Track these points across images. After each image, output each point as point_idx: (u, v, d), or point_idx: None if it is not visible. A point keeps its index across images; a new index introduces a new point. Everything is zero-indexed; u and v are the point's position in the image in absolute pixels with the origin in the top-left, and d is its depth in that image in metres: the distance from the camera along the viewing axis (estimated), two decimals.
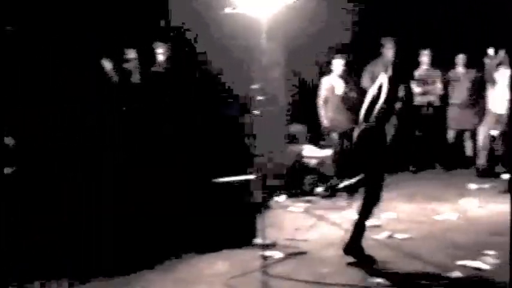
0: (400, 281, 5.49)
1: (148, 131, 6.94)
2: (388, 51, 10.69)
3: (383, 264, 5.99)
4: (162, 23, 8.65)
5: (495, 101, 9.90)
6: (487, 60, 9.89)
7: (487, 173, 9.91)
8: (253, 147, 7.49)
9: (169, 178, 6.76)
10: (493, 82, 9.87)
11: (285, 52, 9.20)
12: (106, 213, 6.42)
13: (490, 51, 9.80)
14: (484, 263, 5.87)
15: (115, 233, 6.32)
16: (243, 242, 6.60)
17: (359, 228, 6.14)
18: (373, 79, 10.52)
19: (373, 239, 6.87)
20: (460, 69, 10.77)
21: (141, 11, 8.28)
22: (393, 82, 6.40)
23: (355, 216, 6.22)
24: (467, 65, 10.56)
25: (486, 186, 9.23)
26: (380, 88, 6.30)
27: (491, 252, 6.13)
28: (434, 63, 11.03)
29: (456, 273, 5.62)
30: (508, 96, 9.36)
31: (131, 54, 8.44)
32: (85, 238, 6.23)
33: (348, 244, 6.11)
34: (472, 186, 9.30)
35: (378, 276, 5.60)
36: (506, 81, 9.47)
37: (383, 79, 6.42)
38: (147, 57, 8.39)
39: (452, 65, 10.95)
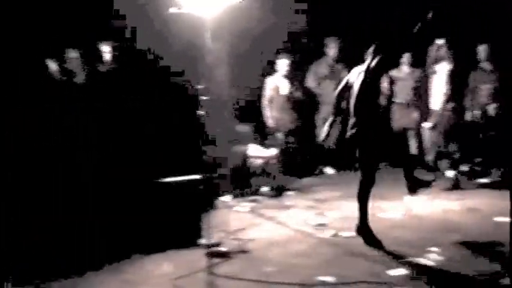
0: (345, 279, 5.51)
1: (94, 131, 6.85)
2: (331, 51, 10.81)
3: (328, 263, 6.02)
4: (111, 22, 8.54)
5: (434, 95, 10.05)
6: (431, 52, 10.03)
7: (435, 170, 10.04)
8: (201, 147, 7.48)
9: (115, 178, 6.69)
10: (433, 74, 10.02)
11: (230, 52, 9.19)
12: (52, 215, 6.34)
13: (439, 41, 9.89)
14: (429, 260, 5.95)
15: (61, 234, 6.24)
16: (189, 242, 6.57)
17: (361, 210, 6.55)
18: (317, 79, 10.69)
19: (319, 238, 6.93)
20: (405, 68, 10.83)
21: (86, 11, 8.17)
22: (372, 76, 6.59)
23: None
24: (413, 64, 10.60)
25: (432, 183, 9.35)
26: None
27: (436, 249, 6.23)
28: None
29: (401, 270, 5.68)
30: (444, 90, 9.50)
31: (72, 54, 8.33)
32: (31, 240, 6.14)
33: (358, 226, 6.60)
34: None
35: (323, 274, 5.63)
36: (444, 76, 9.61)
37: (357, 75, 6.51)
38: (92, 56, 8.28)
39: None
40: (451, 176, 8.99)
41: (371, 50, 7.05)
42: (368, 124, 6.55)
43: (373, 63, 6.63)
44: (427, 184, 8.55)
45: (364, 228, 6.56)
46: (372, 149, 6.56)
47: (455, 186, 8.96)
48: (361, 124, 6.58)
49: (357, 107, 6.64)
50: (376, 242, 6.44)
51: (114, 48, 8.62)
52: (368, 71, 6.63)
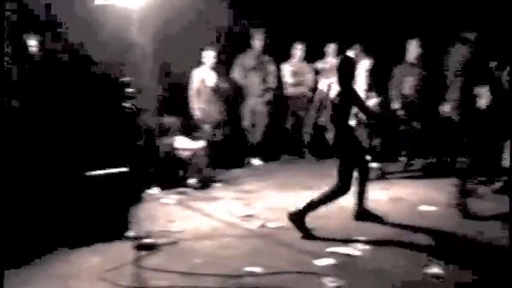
0: (272, 269, 5.56)
1: (16, 125, 6.72)
2: (258, 43, 10.87)
3: (256, 254, 6.07)
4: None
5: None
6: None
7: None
8: (128, 140, 7.43)
9: (42, 173, 6.59)
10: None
11: (156, 43, 9.14)
12: None
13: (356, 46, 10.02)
14: (355, 249, 6.07)
15: None
16: (116, 235, 6.53)
17: (314, 206, 6.72)
18: (243, 71, 10.74)
19: (246, 229, 6.98)
20: (329, 59, 10.93)
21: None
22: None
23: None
24: (338, 55, 10.57)
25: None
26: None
27: (362, 238, 6.36)
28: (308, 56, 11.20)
29: (327, 260, 5.77)
30: (364, 87, 9.65)
31: None
32: None
33: (293, 213, 6.72)
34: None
35: (250, 265, 5.68)
36: (364, 72, 9.75)
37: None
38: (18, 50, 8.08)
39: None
40: (375, 167, 9.13)
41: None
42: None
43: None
44: None
45: (299, 218, 6.63)
46: (350, 157, 6.79)
47: (379, 177, 9.11)
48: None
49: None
50: (305, 232, 6.52)
51: (39, 41, 8.42)
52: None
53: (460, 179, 7.18)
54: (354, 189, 6.92)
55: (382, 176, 9.23)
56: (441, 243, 6.23)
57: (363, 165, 7.05)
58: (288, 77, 11.08)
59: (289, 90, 11.15)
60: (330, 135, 8.65)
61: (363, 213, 7.10)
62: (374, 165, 9.25)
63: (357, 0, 10.78)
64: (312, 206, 6.68)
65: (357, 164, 6.86)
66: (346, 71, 6.75)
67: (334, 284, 5.17)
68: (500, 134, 8.37)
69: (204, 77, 10.22)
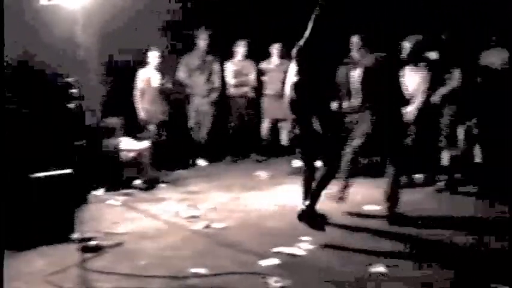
0: (217, 270, 5.60)
1: None
2: (202, 43, 10.89)
3: (201, 254, 6.10)
4: None
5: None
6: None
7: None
8: (72, 141, 7.39)
9: None
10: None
11: (100, 42, 9.09)
12: None
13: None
14: (300, 249, 6.15)
15: None
16: (60, 237, 6.47)
17: (315, 196, 6.59)
18: (188, 70, 10.75)
19: (191, 230, 7.00)
20: (274, 59, 11.00)
21: None
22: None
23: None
24: (283, 56, 10.65)
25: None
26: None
27: (307, 238, 6.43)
28: (251, 55, 11.25)
29: (272, 260, 5.83)
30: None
31: None
32: None
33: (304, 211, 6.58)
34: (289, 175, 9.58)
35: (195, 266, 5.71)
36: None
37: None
38: None
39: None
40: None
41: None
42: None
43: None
44: None
45: (311, 212, 6.61)
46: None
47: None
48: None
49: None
50: (319, 225, 6.61)
51: None
52: None
53: (394, 176, 7.26)
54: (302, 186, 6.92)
55: None
56: (386, 242, 6.35)
57: (333, 160, 6.74)
58: (230, 77, 11.10)
59: (232, 90, 11.17)
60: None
61: (308, 213, 6.75)
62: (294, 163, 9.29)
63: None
64: (315, 196, 6.62)
65: (327, 155, 6.66)
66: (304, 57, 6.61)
67: (279, 284, 5.23)
68: (438, 133, 8.61)
69: (148, 77, 10.21)
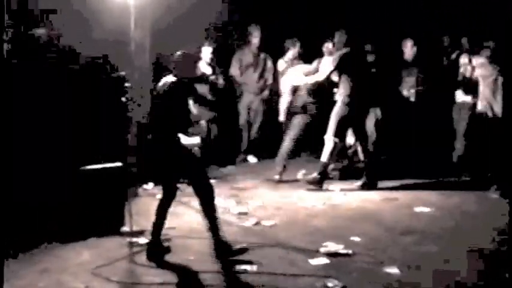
0: (267, 268, 5.56)
1: (13, 118, 6.65)
2: (255, 39, 10.83)
3: (250, 251, 6.04)
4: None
5: None
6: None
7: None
8: (123, 134, 7.39)
9: (34, 165, 6.54)
10: None
11: (152, 37, 9.10)
12: None
13: None
14: (348, 248, 6.05)
15: None
16: (110, 230, 6.50)
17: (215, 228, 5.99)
18: (240, 67, 10.70)
19: (240, 226, 6.95)
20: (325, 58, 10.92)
21: None
22: None
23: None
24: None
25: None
26: None
27: (356, 239, 6.34)
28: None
29: (322, 259, 5.77)
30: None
31: None
32: None
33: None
34: (335, 173, 9.49)
35: (245, 263, 5.67)
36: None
37: None
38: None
39: None
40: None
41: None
42: None
43: None
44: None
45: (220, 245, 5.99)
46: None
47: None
48: None
49: None
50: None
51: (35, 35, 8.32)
52: None
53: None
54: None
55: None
56: (431, 247, 6.21)
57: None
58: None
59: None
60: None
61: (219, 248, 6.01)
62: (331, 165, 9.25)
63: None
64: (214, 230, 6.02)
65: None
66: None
67: (332, 284, 5.15)
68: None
69: (201, 72, 10.18)
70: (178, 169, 6.13)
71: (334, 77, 8.92)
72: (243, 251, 6.01)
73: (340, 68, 8.70)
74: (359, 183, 8.71)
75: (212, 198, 6.05)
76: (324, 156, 8.66)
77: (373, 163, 8.86)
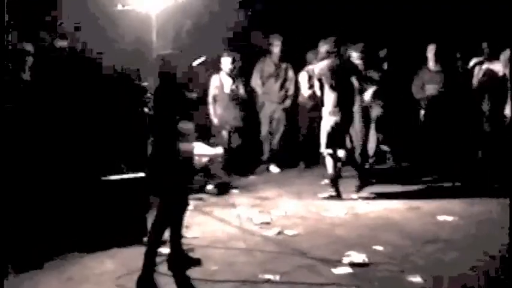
0: (290, 278, 5.53)
1: (37, 128, 6.71)
2: (276, 49, 10.83)
3: (272, 261, 6.03)
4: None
5: None
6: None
7: None
8: (146, 144, 7.40)
9: (58, 176, 6.59)
10: None
11: (175, 48, 9.13)
12: None
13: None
14: (371, 258, 6.00)
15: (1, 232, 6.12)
16: (133, 240, 6.50)
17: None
18: (261, 77, 10.71)
19: (262, 236, 6.94)
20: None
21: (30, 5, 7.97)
22: None
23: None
24: None
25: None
26: None
27: (379, 248, 6.30)
28: None
29: (345, 269, 5.74)
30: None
31: (28, 47, 8.03)
32: None
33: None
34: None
35: (268, 272, 5.64)
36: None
37: None
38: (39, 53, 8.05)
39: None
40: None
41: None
42: None
43: None
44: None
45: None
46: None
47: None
48: None
49: None
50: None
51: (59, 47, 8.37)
52: None
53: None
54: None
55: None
56: (453, 253, 6.16)
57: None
58: (304, 85, 10.95)
59: (303, 99, 11.00)
60: None
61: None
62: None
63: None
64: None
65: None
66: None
67: None
68: None
69: (221, 82, 10.19)
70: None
71: (317, 90, 9.04)
72: (198, 262, 5.95)
73: (321, 79, 8.73)
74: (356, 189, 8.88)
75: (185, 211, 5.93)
76: (328, 170, 8.72)
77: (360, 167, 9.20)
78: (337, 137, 8.61)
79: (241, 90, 10.41)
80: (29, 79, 6.85)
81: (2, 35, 6.73)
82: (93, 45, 7.68)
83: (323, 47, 8.78)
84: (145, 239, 6.50)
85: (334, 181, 8.66)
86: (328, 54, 8.66)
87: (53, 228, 6.39)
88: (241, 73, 10.61)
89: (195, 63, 6.49)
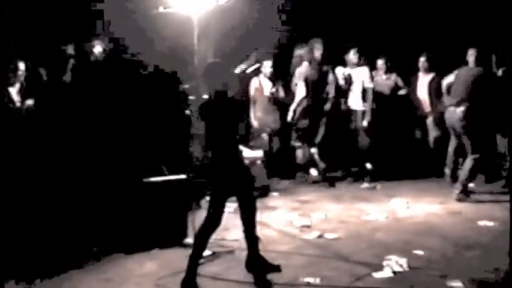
0: (330, 281, 5.51)
1: (81, 130, 6.80)
2: (317, 52, 10.78)
3: (313, 265, 6.02)
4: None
5: None
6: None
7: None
8: (187, 147, 7.45)
9: (99, 177, 6.66)
10: None
11: (216, 51, 9.17)
12: (33, 212, 6.30)
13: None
14: (411, 262, 5.95)
15: (43, 232, 6.20)
16: (173, 241, 6.55)
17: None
18: (303, 80, 10.70)
19: (303, 239, 6.93)
20: (380, 72, 10.90)
21: (73, 9, 8.08)
22: None
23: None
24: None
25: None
26: None
27: (419, 252, 6.24)
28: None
29: (384, 273, 5.70)
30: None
31: (69, 50, 8.15)
32: (13, 239, 6.10)
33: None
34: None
35: (308, 276, 5.63)
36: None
37: None
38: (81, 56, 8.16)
39: None
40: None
41: None
42: None
43: None
44: None
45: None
46: None
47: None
48: None
49: None
50: None
51: (101, 49, 8.47)
52: None
53: None
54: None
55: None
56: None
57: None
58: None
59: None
60: None
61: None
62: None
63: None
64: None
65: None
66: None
67: None
68: None
69: (261, 85, 10.20)
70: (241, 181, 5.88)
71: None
72: (276, 268, 5.83)
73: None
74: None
75: (256, 213, 5.85)
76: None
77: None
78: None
79: (281, 93, 10.41)
80: (69, 80, 6.95)
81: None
82: (134, 48, 7.75)
83: (298, 52, 9.55)
84: (186, 241, 6.57)
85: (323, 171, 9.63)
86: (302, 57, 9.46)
87: (94, 229, 6.46)
88: (281, 76, 10.60)
89: (248, 70, 6.51)
